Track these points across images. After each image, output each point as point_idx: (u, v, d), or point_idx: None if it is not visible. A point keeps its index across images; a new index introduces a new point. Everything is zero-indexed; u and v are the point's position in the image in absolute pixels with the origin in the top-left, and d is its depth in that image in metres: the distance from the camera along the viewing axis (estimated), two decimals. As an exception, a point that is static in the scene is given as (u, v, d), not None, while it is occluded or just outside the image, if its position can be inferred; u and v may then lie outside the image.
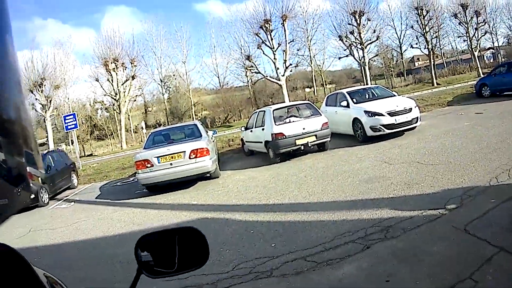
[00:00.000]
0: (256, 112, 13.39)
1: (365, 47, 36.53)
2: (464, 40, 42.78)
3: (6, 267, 0.90)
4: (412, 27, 41.28)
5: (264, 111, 12.27)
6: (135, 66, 39.52)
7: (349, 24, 36.46)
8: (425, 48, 40.24)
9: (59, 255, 7.35)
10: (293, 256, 4.59)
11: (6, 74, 0.61)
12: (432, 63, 40.15)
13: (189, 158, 9.77)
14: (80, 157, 26.47)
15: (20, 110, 0.63)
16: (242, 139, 14.71)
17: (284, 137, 11.06)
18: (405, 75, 52.87)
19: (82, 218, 9.88)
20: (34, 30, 66.73)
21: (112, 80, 39.18)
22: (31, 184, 0.70)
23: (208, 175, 10.40)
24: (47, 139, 41.16)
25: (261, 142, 11.94)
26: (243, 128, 14.41)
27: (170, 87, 48.35)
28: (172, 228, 1.46)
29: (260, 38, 34.45)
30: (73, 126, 24.86)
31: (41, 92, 37.42)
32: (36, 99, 38.71)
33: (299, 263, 4.40)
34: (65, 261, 6.76)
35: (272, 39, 34.20)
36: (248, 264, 4.64)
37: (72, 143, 44.38)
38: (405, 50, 51.54)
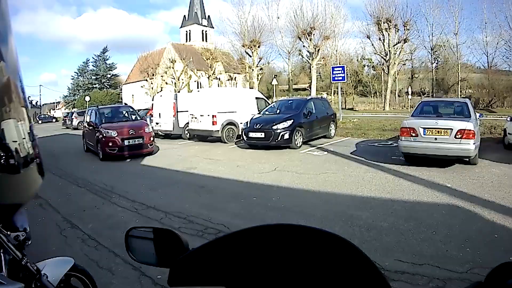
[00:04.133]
0: None
1: None
2: None
3: (346, 263, 0.85)
4: None
5: None
6: (408, 29, 38.95)
7: None
8: None
9: (301, 200, 7.70)
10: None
11: None
12: None
13: (455, 137, 9.40)
14: (341, 109, 27.44)
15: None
16: (505, 130, 13.43)
17: None
18: None
19: (332, 170, 10.32)
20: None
21: (383, 40, 39.32)
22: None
23: (467, 159, 9.90)
24: (310, 86, 43.98)
25: None
26: (508, 118, 13.14)
27: (439, 57, 46.14)
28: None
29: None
30: (341, 78, 25.88)
31: (310, 40, 39.71)
32: (303, 46, 41.50)
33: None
34: (307, 208, 7.11)
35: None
36: (484, 271, 4.26)
37: (334, 93, 46.85)
38: None
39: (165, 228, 1.26)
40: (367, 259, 0.84)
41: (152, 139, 14.73)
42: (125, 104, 20.56)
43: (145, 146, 14.41)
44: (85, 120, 18.14)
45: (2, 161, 0.62)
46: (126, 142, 13.92)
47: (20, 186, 0.68)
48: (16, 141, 0.66)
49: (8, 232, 2.28)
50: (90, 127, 15.67)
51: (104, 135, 13.87)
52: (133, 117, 16.36)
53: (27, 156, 0.70)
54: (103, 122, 14.89)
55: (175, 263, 1.00)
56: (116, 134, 13.84)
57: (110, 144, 13.75)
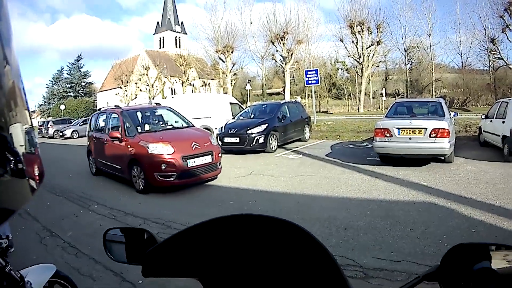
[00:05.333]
0: (499, 102, 12.19)
1: None
2: None
3: (298, 248, 0.89)
4: None
5: (508, 102, 11.01)
6: (381, 32, 39.57)
7: None
8: None
9: (277, 203, 7.68)
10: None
11: None
12: None
13: (429, 136, 9.49)
14: (316, 112, 27.60)
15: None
16: (480, 127, 13.71)
17: None
18: None
19: (308, 173, 10.33)
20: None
21: (356, 42, 39.84)
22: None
23: (443, 158, 10.03)
24: (283, 90, 44.30)
25: (498, 136, 10.93)
26: (483, 116, 13.44)
27: (413, 59, 47.01)
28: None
29: (505, 21, 31.22)
30: (314, 81, 26.02)
31: (283, 44, 40.22)
32: (276, 50, 41.87)
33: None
34: (283, 211, 7.05)
35: (516, 24, 30.64)
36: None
37: (308, 97, 47.16)
38: None
39: (138, 227, 1.32)
40: (319, 244, 0.87)
41: (220, 155, 9.93)
42: (157, 103, 13.52)
43: (215, 167, 9.62)
44: (91, 128, 12.36)
45: (12, 165, 0.60)
46: (190, 163, 8.91)
47: (21, 191, 0.66)
48: (22, 146, 0.65)
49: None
50: (113, 139, 9.95)
51: (150, 152, 8.77)
52: (180, 122, 10.97)
53: (33, 157, 0.70)
54: (140, 131, 9.78)
55: (145, 256, 1.02)
56: (173, 151, 8.75)
57: (164, 167, 8.62)
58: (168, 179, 8.70)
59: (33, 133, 0.71)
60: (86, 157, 12.61)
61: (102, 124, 11.54)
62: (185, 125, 10.74)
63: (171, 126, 10.81)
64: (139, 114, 10.91)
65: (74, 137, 32.98)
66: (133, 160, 9.26)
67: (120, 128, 9.93)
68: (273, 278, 0.91)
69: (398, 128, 9.93)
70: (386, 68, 49.11)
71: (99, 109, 12.48)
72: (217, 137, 15.30)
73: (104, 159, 10.96)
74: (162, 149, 8.74)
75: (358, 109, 41.48)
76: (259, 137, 14.06)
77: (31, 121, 0.72)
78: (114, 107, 11.40)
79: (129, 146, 9.38)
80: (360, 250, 4.86)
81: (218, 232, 0.96)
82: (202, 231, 0.96)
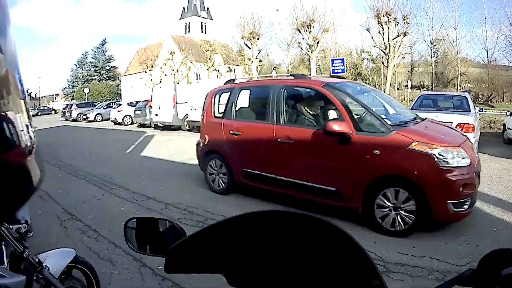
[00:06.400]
0: None
1: None
2: None
3: (333, 249, 0.85)
4: None
5: None
6: (407, 23, 38.86)
7: None
8: None
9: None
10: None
11: None
12: None
13: None
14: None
15: None
16: (504, 124, 13.50)
17: None
18: None
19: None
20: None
21: (383, 33, 39.30)
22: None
23: (466, 153, 9.72)
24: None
25: None
26: (508, 113, 13.21)
27: (438, 51, 46.23)
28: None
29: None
30: (340, 70, 25.79)
31: (309, 32, 39.78)
32: (302, 38, 41.62)
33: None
34: (301, 202, 7.07)
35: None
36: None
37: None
38: None
39: (162, 218, 1.30)
40: (357, 244, 0.83)
41: None
42: (339, 76, 10.00)
43: None
44: (216, 113, 7.79)
45: None
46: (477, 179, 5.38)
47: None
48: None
49: (10, 226, 2.29)
50: (328, 136, 5.60)
51: (441, 164, 4.93)
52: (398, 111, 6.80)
53: (25, 148, 0.67)
54: (390, 123, 5.52)
55: (169, 250, 1.00)
56: (470, 162, 5.10)
57: (461, 188, 4.95)
58: (461, 209, 5.04)
59: (30, 122, 0.70)
60: (198, 163, 8.35)
61: (255, 106, 7.44)
62: (411, 116, 6.42)
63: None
64: (354, 94, 6.28)
65: (98, 120, 33.55)
66: (386, 179, 5.29)
67: (343, 117, 5.64)
68: (302, 277, 0.91)
69: None
70: (411, 60, 48.44)
71: (232, 80, 8.28)
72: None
73: (274, 171, 6.55)
74: (459, 160, 5.04)
75: (383, 100, 41.13)
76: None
77: (28, 110, 0.72)
78: (292, 77, 7.20)
79: (375, 151, 5.28)
80: (381, 244, 4.90)
81: (248, 228, 0.94)
82: (231, 227, 0.95)
